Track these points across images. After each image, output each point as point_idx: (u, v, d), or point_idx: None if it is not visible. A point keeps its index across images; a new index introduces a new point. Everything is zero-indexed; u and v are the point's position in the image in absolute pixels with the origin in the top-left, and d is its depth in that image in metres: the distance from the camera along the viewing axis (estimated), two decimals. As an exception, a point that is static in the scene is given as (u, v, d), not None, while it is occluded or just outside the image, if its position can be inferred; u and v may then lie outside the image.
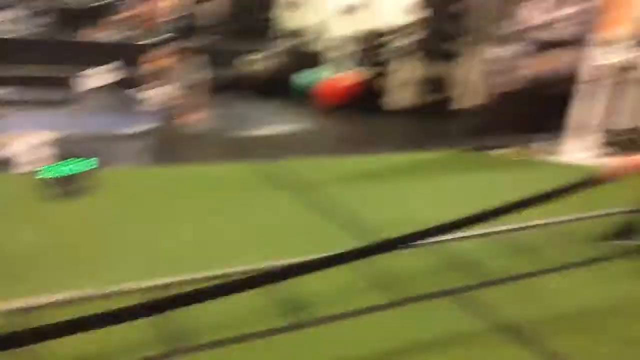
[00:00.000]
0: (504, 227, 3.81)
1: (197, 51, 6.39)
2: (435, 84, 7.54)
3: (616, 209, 4.30)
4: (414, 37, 7.44)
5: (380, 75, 7.57)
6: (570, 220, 4.17)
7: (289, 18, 9.63)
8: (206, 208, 3.78)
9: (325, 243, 3.20)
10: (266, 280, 2.20)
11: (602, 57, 6.12)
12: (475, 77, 5.87)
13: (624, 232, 3.83)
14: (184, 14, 9.04)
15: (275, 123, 6.55)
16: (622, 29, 6.55)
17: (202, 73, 6.18)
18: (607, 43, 6.14)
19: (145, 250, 3.04)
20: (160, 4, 8.85)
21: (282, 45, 9.61)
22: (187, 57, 6.15)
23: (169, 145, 5.54)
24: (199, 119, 5.97)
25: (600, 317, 2.85)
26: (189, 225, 3.43)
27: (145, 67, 6.22)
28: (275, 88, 8.02)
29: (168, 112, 5.94)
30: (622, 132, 7.23)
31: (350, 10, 8.10)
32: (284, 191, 4.26)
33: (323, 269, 2.19)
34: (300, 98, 8.01)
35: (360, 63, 7.61)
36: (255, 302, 2.61)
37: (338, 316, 2.59)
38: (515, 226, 3.91)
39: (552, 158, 6.03)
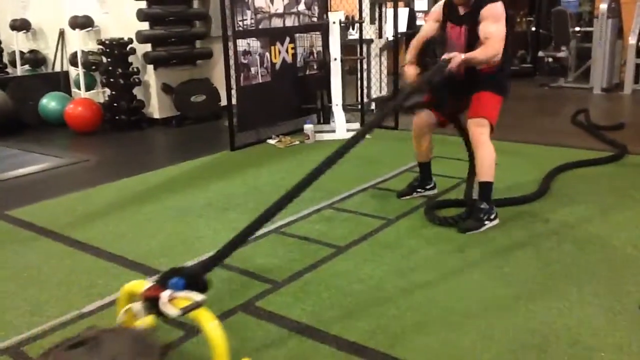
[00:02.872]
0: (283, 222, 3.81)
1: None
2: (194, 88, 7.36)
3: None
4: (159, 43, 7.14)
5: (133, 86, 7.12)
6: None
7: (21, 39, 8.59)
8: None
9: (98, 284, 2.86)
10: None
11: (341, 36, 6.46)
12: (227, 73, 5.78)
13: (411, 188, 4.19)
14: None
15: (23, 163, 5.75)
16: (345, 12, 7.14)
17: None
18: (341, 23, 6.49)
19: None
20: None
21: (17, 71, 8.56)
22: None
23: None
24: None
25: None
26: None
27: None
28: (16, 122, 7.11)
29: None
30: (377, 102, 7.79)
31: (87, 22, 7.48)
32: (45, 238, 3.75)
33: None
34: (51, 127, 7.21)
35: (110, 76, 7.07)
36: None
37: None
38: (295, 217, 3.93)
39: (325, 137, 6.21)
